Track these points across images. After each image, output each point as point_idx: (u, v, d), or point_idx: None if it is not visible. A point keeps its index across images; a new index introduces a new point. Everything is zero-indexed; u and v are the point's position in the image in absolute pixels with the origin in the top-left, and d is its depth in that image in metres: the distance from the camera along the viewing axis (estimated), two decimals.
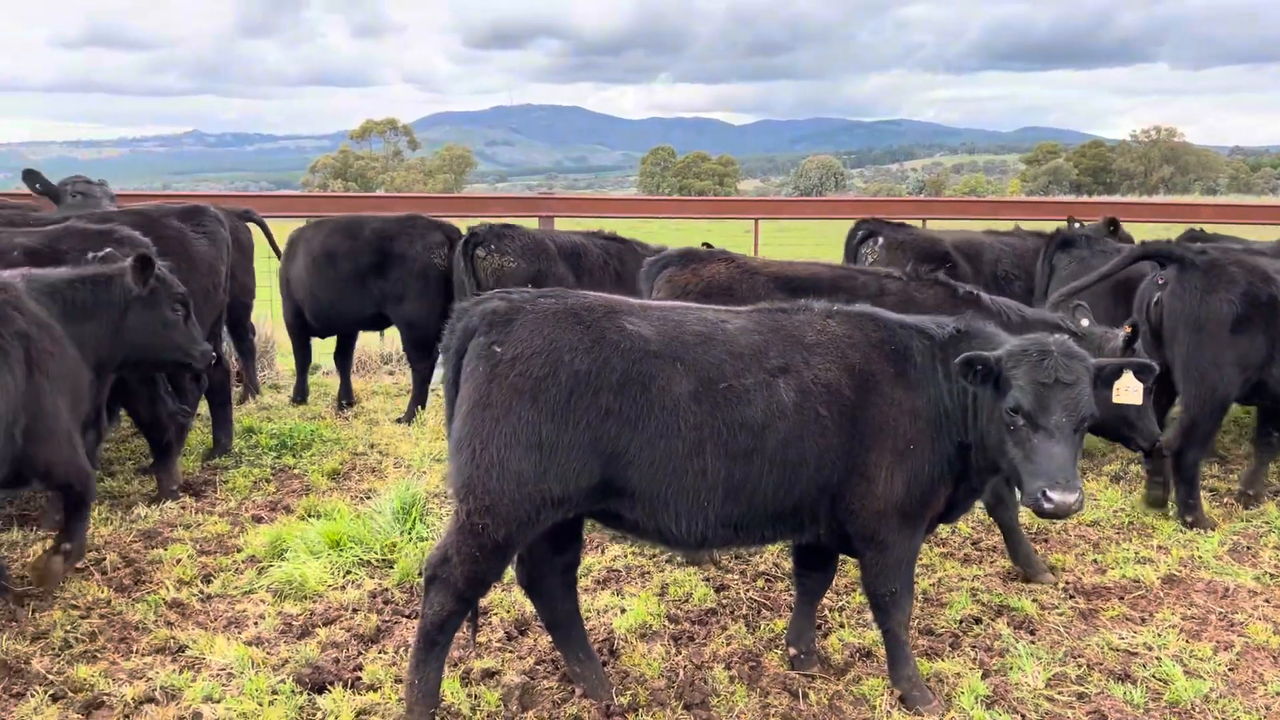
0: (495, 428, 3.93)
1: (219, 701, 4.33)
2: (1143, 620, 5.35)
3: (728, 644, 5.02)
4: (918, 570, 5.86)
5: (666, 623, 5.23)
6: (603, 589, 5.64)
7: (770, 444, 4.11)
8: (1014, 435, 4.14)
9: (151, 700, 4.35)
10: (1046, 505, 3.98)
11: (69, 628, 4.99)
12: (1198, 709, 4.46)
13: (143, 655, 4.75)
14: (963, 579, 5.83)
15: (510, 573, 4.55)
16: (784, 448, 4.13)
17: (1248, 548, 6.33)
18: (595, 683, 4.48)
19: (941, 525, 5.29)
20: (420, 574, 4.24)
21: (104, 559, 5.80)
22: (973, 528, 6.56)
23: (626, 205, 18.41)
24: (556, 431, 3.91)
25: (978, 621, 5.30)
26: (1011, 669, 4.76)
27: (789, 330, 4.37)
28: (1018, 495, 4.51)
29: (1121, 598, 5.62)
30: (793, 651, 4.81)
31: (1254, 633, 5.17)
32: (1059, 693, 4.60)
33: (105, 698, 4.37)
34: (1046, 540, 6.45)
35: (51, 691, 4.40)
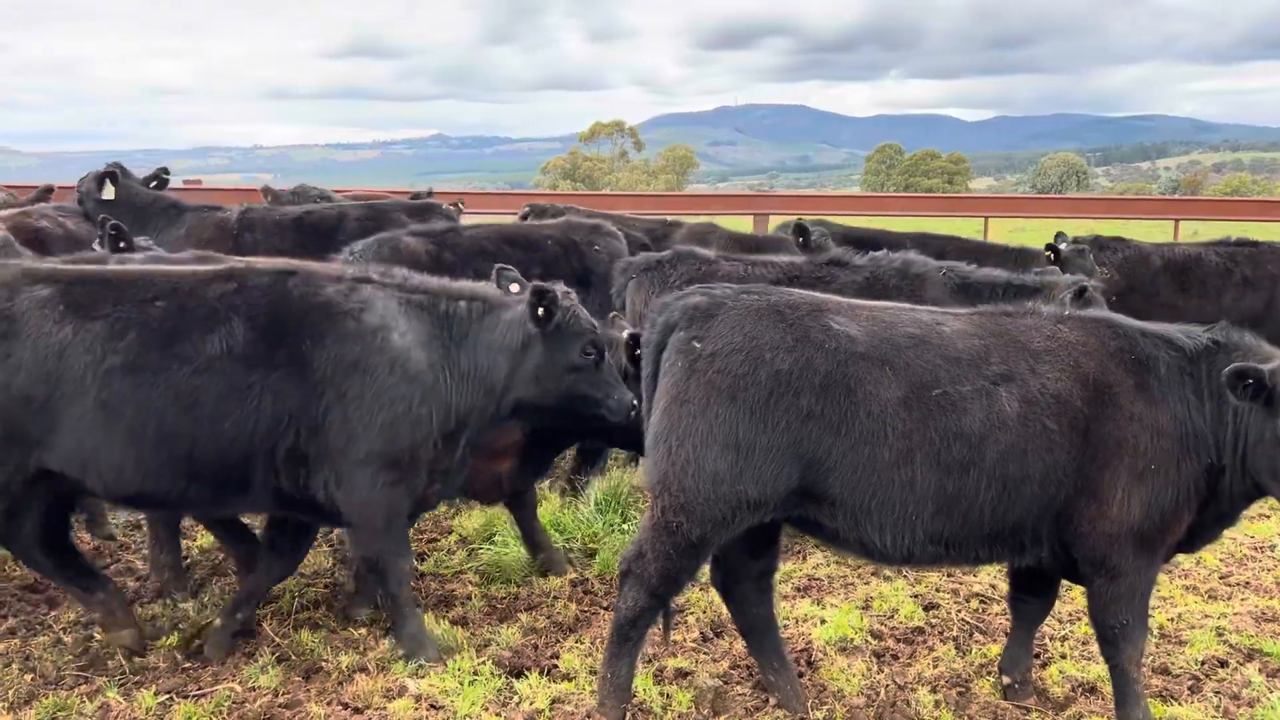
0: (692, 424, 3.87)
1: (423, 678, 4.50)
2: None
3: (934, 666, 4.75)
4: (1155, 603, 5.34)
5: (869, 638, 5.01)
6: (803, 597, 5.48)
7: (989, 457, 3.83)
8: None
9: (364, 670, 4.58)
10: None
11: (297, 594, 5.35)
12: None
13: (358, 626, 5.01)
14: (1207, 616, 5.26)
15: (706, 571, 4.47)
16: (1004, 462, 3.85)
17: None
18: (790, 693, 4.34)
19: (1182, 555, 4.81)
20: (618, 567, 4.24)
21: (332, 531, 6.19)
22: (1221, 559, 5.92)
23: (849, 202, 18.00)
24: (754, 432, 3.80)
25: (1223, 664, 4.76)
26: None
27: (1014, 335, 4.07)
28: None
29: None
30: (1006, 680, 4.49)
31: None
32: None
33: (323, 663, 4.64)
34: None
35: (278, 654, 4.72)
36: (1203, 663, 4.76)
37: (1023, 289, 6.17)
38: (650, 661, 4.69)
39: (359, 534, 4.71)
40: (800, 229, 8.85)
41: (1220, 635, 5.04)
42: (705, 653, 4.84)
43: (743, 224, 14.32)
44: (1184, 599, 5.47)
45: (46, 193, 9.34)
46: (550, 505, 6.34)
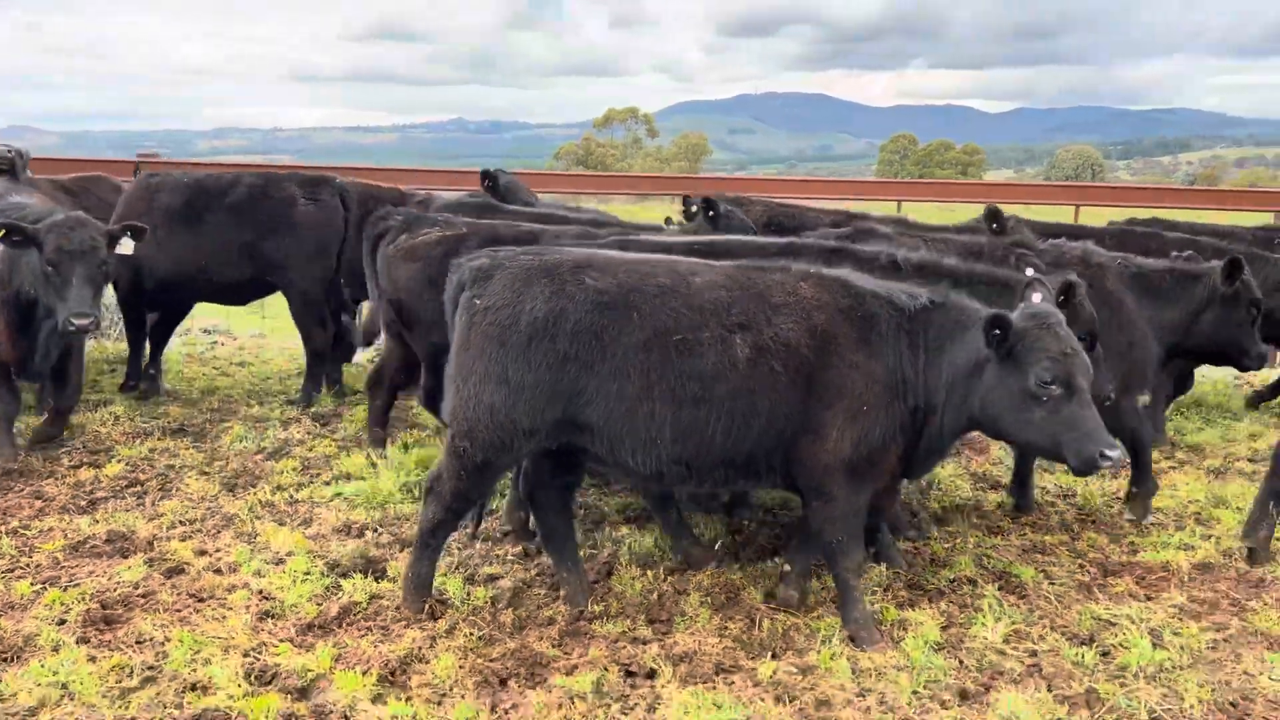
0: (473, 367, 4.60)
1: (264, 576, 5.23)
2: (1147, 598, 5.27)
3: (717, 577, 5.43)
4: (941, 534, 6.02)
5: (671, 555, 5.69)
6: (630, 524, 6.16)
7: (719, 394, 4.49)
8: (1046, 405, 4.44)
9: (217, 570, 5.32)
10: (1107, 464, 4.39)
11: (180, 514, 6.09)
12: (1142, 674, 4.45)
13: (227, 540, 5.75)
14: (979, 546, 5.91)
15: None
16: (734, 399, 4.51)
17: None
18: (576, 590, 5.04)
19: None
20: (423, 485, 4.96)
21: (227, 466, 6.93)
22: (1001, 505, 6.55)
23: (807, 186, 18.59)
24: (521, 372, 4.50)
25: (972, 583, 5.41)
26: (974, 623, 4.90)
27: (759, 289, 4.71)
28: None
29: (1139, 578, 5.53)
30: (784, 591, 5.13)
31: (1259, 620, 5.00)
32: (1011, 647, 4.71)
33: (185, 566, 5.38)
34: (1095, 522, 6.36)
35: (148, 557, 5.46)
36: (953, 580, 5.42)
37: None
38: (466, 567, 5.42)
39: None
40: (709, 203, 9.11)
41: (980, 561, 5.69)
42: (519, 564, 5.54)
43: None
44: (970, 533, 6.11)
45: None
46: (439, 447, 7.04)
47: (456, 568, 5.44)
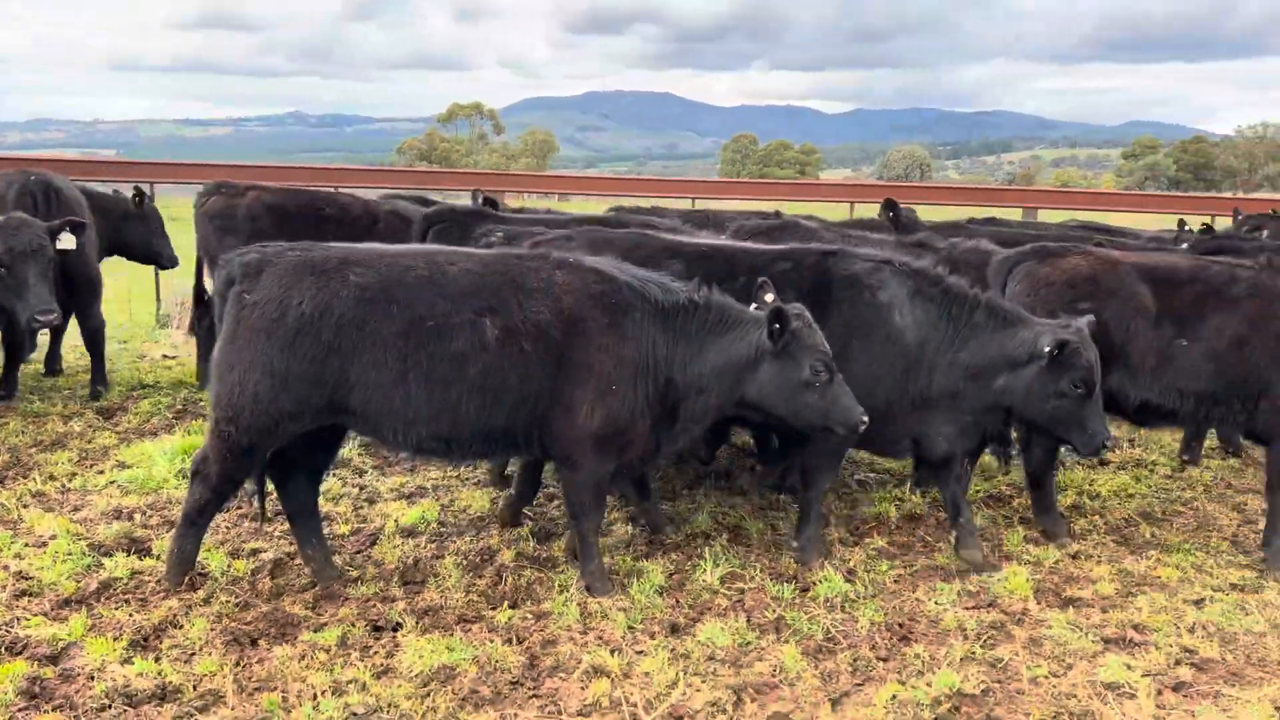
0: (239, 357, 4.83)
1: (24, 559, 5.37)
2: (892, 556, 5.88)
3: (475, 542, 5.87)
4: (687, 497, 6.63)
5: (436, 525, 6.11)
6: (403, 500, 6.53)
7: (471, 374, 4.88)
8: (817, 389, 5.09)
9: None
10: (864, 425, 5.15)
11: None
12: (829, 603, 5.16)
13: None
14: (719, 505, 6.56)
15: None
16: (485, 378, 4.91)
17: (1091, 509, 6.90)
18: (323, 565, 5.36)
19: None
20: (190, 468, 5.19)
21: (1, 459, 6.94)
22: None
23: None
24: (287, 362, 4.77)
25: (706, 536, 6.03)
26: (698, 569, 5.50)
27: (513, 276, 5.13)
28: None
29: (853, 528, 6.28)
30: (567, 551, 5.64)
31: (940, 559, 5.79)
32: (726, 587, 5.34)
33: None
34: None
35: None
36: (690, 535, 6.04)
37: None
38: (227, 543, 5.69)
39: None
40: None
41: (716, 517, 6.34)
42: (285, 539, 5.83)
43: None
44: (714, 493, 6.76)
45: None
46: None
47: (222, 544, 5.70)
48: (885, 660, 4.67)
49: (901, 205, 10.37)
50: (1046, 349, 5.30)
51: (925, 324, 5.55)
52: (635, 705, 4.21)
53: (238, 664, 4.46)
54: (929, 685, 4.41)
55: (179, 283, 11.88)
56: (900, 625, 5.00)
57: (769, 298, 5.30)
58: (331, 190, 11.08)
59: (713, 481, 7.00)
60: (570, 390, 5.01)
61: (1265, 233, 10.09)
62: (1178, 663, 4.70)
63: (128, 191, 10.07)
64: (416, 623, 4.85)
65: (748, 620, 4.98)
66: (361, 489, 6.71)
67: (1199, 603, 5.33)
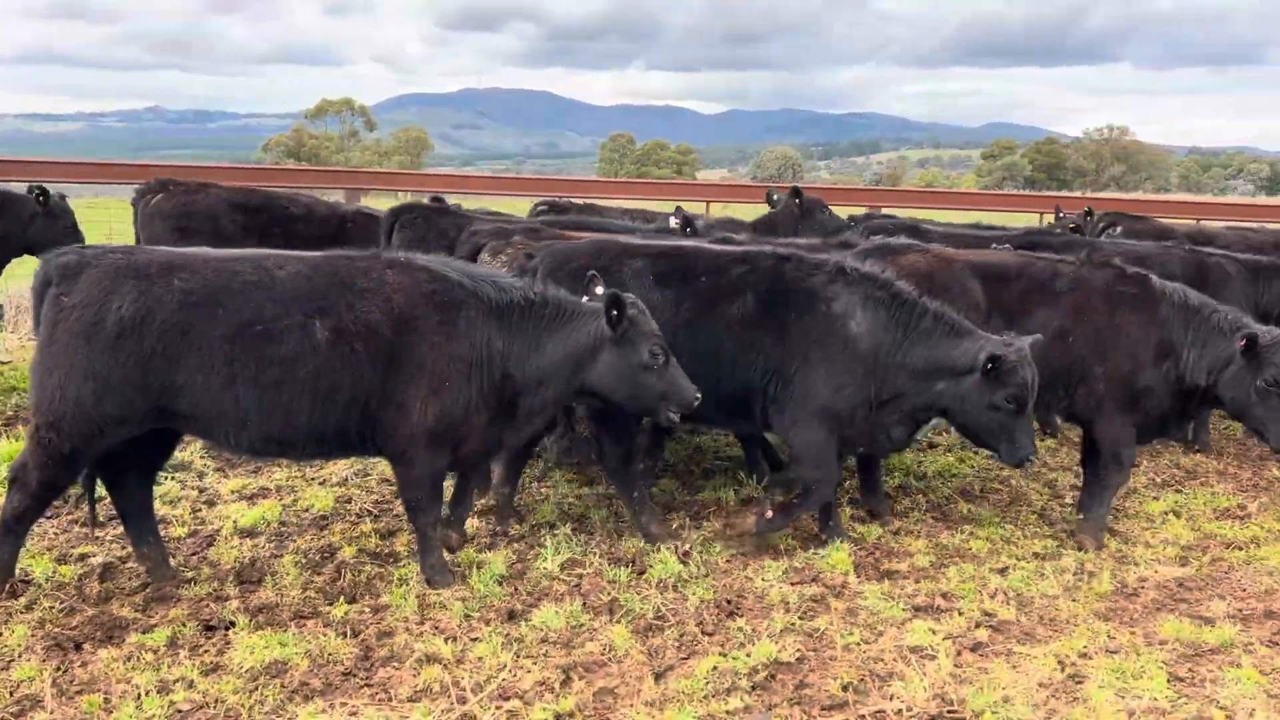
0: (59, 361, 4.71)
1: None
2: (695, 527, 6.23)
3: (316, 540, 5.87)
4: (535, 490, 6.76)
5: (277, 525, 6.08)
6: (244, 501, 6.46)
7: (301, 375, 4.85)
8: (654, 372, 5.29)
9: None
10: (696, 402, 5.40)
11: None
12: (662, 584, 5.38)
13: None
14: (565, 496, 6.72)
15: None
16: (315, 379, 4.90)
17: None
18: (157, 566, 5.29)
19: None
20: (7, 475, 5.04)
21: None
22: None
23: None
24: (109, 366, 4.66)
25: (550, 526, 6.18)
26: (539, 558, 5.65)
27: (343, 277, 5.12)
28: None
29: (694, 513, 6.53)
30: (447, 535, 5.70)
31: (773, 539, 6.09)
32: (565, 573, 5.50)
33: None
34: (671, 470, 7.35)
35: None
36: (535, 525, 6.17)
37: None
38: (54, 549, 5.55)
39: None
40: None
41: (562, 507, 6.50)
42: (117, 543, 5.71)
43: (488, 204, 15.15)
44: (562, 484, 6.91)
45: None
46: None
47: (49, 549, 5.55)
48: (711, 635, 4.90)
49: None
50: (984, 364, 5.53)
51: (877, 328, 5.75)
52: (464, 689, 4.32)
53: (59, 668, 4.38)
54: (748, 656, 4.66)
55: (14, 285, 11.35)
56: (729, 602, 5.25)
57: (599, 290, 5.47)
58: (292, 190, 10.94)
59: (563, 474, 7.15)
60: (403, 389, 5.04)
61: (1119, 229, 10.98)
62: (978, 625, 5.08)
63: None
64: (250, 620, 4.84)
65: (584, 603, 5.15)
66: (201, 491, 6.61)
67: (1003, 571, 5.76)
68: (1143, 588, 5.63)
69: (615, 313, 5.15)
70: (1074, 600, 5.41)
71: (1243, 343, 5.83)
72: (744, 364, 5.81)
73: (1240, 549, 6.19)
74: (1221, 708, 4.37)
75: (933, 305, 5.82)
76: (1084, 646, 4.87)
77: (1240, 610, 5.38)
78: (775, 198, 10.56)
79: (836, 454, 5.92)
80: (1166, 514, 6.80)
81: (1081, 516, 6.37)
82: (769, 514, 5.91)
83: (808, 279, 5.84)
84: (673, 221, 9.31)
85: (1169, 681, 4.56)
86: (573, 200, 12.02)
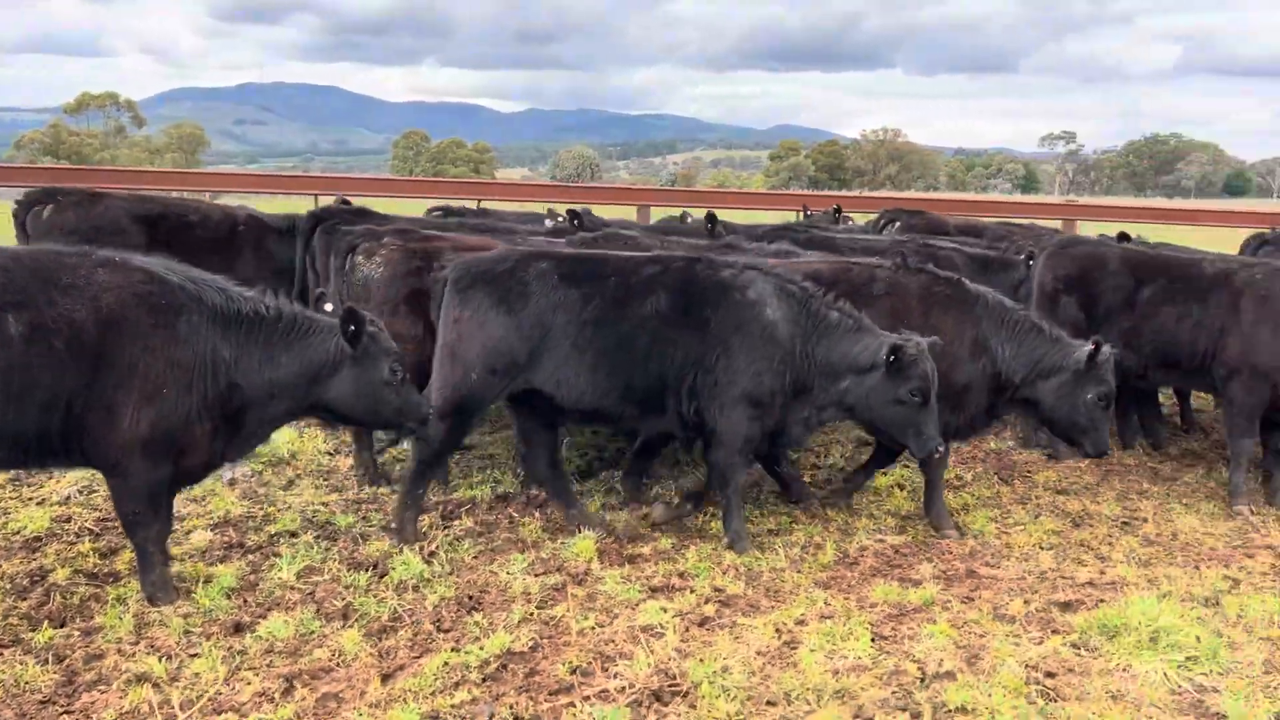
0: None
1: None
2: (477, 535, 6.16)
3: (26, 563, 5.47)
4: (280, 501, 6.54)
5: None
6: None
7: None
8: (395, 387, 5.36)
9: None
10: (429, 411, 5.59)
11: None
12: (402, 585, 5.34)
13: None
14: (311, 504, 6.55)
15: None
16: (8, 377, 4.55)
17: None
18: None
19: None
20: None
21: None
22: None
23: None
24: None
25: (292, 535, 6.00)
26: (275, 568, 5.48)
27: (47, 272, 4.78)
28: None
29: (445, 513, 6.50)
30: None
31: (524, 531, 6.16)
32: (302, 582, 5.37)
33: None
34: None
35: None
36: (275, 535, 5.98)
37: None
38: None
39: None
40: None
41: (307, 515, 6.33)
42: None
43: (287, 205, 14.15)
44: (308, 490, 6.72)
45: None
46: None
47: None
48: (447, 631, 4.91)
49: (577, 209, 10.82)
50: (885, 357, 5.72)
51: (790, 318, 5.88)
52: (174, 707, 4.14)
53: None
54: (481, 649, 4.70)
55: None
56: (470, 598, 5.27)
57: (329, 308, 5.40)
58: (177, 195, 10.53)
59: (311, 480, 6.96)
60: (111, 393, 4.76)
61: (898, 224, 11.74)
62: (707, 601, 5.32)
63: None
64: None
65: (317, 610, 5.04)
66: None
67: None
68: (862, 556, 6.06)
69: (354, 329, 5.10)
70: (799, 572, 5.76)
71: (1085, 357, 6.27)
72: (659, 360, 5.85)
73: (951, 515, 6.75)
74: (915, 660, 4.76)
75: (837, 303, 6.03)
76: (801, 614, 5.19)
77: (945, 571, 5.88)
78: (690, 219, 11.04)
79: (756, 442, 6.04)
80: (892, 487, 7.33)
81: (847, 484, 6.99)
82: (676, 501, 6.28)
83: (720, 273, 5.99)
84: (548, 223, 9.52)
85: (873, 641, 4.93)
86: (466, 205, 12.24)
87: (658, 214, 14.75)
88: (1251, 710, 4.36)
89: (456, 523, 6.31)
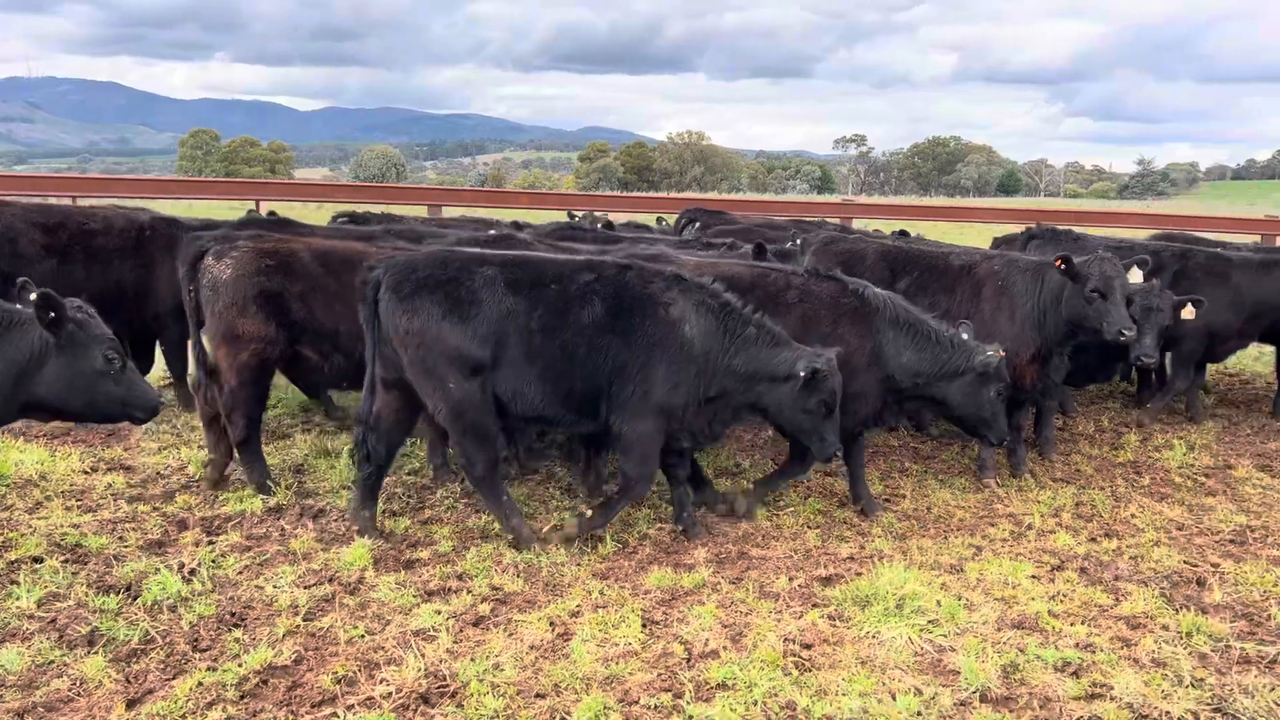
0: None
1: None
2: (244, 550, 5.91)
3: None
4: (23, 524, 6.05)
5: None
6: None
7: None
8: (112, 377, 5.04)
9: None
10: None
11: None
12: (154, 605, 5.07)
13: None
14: (60, 526, 6.11)
15: None
16: None
17: None
18: None
19: None
20: None
21: None
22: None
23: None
24: None
25: (36, 560, 5.57)
26: (10, 597, 5.07)
27: None
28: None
29: (207, 527, 6.20)
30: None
31: (294, 544, 5.96)
32: (43, 610, 4.99)
33: None
34: (185, 487, 6.94)
35: None
36: (14, 561, 5.54)
37: None
38: None
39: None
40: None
41: (55, 538, 5.89)
42: None
43: None
44: (56, 510, 6.26)
45: None
46: None
47: None
48: (204, 651, 4.69)
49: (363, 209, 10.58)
50: (801, 373, 5.94)
51: (708, 332, 6.03)
52: None
53: None
54: (240, 666, 4.52)
55: None
56: (232, 614, 5.05)
57: (34, 297, 5.06)
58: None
59: (61, 499, 6.49)
60: None
61: (699, 224, 11.98)
62: (484, 600, 5.32)
63: None
64: None
65: (58, 638, 4.71)
66: None
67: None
68: (641, 545, 6.21)
69: (53, 316, 4.78)
70: (578, 565, 5.84)
71: (990, 362, 6.66)
72: (594, 366, 5.91)
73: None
74: (683, 642, 4.92)
75: (755, 315, 6.20)
76: (576, 606, 5.27)
77: (718, 555, 6.10)
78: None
79: (659, 449, 6.16)
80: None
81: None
82: (588, 513, 6.19)
83: (649, 285, 6.05)
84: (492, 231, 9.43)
85: (644, 626, 5.07)
86: (370, 212, 11.62)
87: (450, 213, 14.54)
88: (982, 665, 4.75)
89: (222, 537, 6.03)
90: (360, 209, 11.64)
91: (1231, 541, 6.64)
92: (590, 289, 5.97)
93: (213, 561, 5.64)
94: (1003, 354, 6.81)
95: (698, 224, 12.44)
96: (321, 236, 7.61)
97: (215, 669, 4.49)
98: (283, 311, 6.53)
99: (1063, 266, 7.51)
